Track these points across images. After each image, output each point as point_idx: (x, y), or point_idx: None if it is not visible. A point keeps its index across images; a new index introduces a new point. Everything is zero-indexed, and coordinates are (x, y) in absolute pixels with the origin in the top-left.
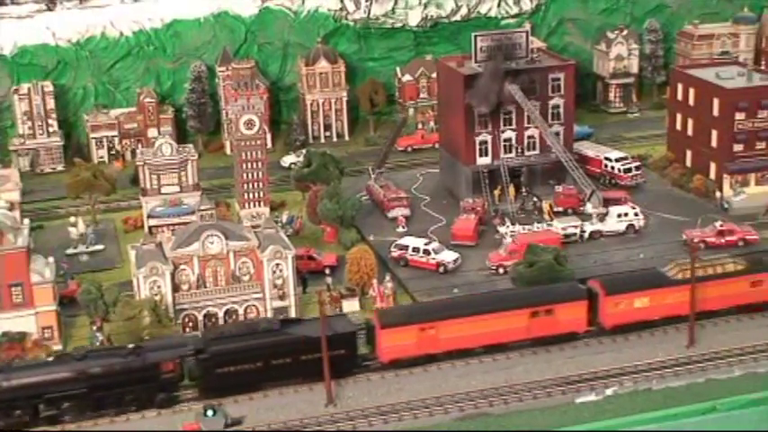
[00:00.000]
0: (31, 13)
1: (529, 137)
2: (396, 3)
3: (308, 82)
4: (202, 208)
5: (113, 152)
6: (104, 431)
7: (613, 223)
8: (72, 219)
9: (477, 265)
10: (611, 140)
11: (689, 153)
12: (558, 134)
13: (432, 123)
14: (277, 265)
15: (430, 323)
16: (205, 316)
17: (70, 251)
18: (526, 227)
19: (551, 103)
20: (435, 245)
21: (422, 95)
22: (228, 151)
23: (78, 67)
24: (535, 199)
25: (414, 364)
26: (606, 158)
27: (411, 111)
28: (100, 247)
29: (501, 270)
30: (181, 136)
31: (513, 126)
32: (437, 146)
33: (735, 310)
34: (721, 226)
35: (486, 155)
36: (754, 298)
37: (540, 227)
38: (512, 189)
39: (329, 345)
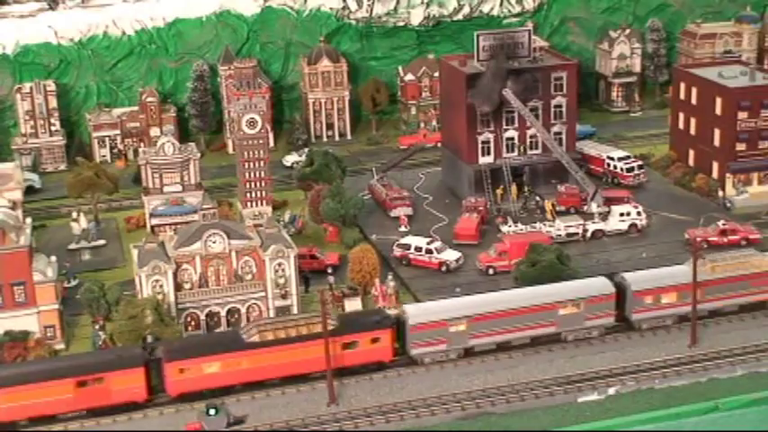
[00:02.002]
0: (33, 11)
1: (531, 136)
2: (398, 2)
3: (310, 81)
4: (204, 207)
5: (116, 151)
6: (105, 431)
7: (616, 222)
8: (74, 214)
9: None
10: (613, 140)
11: (691, 152)
12: (560, 133)
13: (434, 122)
14: (279, 264)
15: None
16: (207, 315)
17: (72, 246)
18: (528, 226)
19: (554, 102)
20: (438, 244)
21: (424, 95)
22: (231, 150)
23: (81, 67)
24: (537, 198)
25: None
26: (609, 158)
27: (413, 110)
28: (102, 242)
29: (491, 271)
30: (183, 135)
31: (516, 125)
32: (439, 145)
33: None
34: (724, 225)
35: (489, 154)
36: (347, 362)
37: (539, 226)
38: (514, 188)
39: None
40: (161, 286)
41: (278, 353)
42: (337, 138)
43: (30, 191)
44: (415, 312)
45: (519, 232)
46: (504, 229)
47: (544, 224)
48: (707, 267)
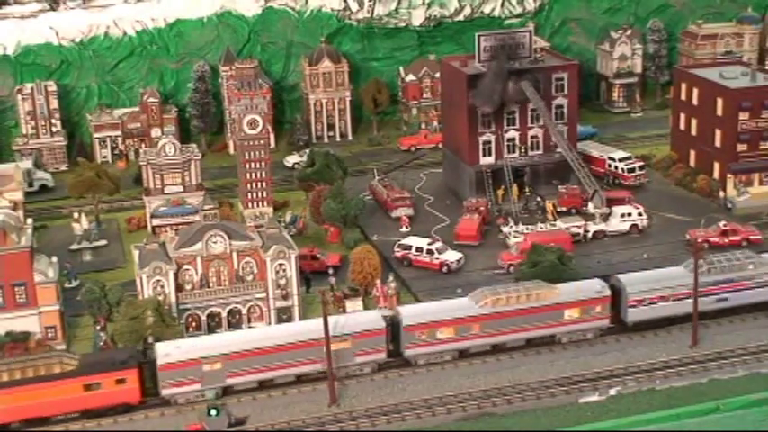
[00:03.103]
0: (34, 12)
1: (532, 137)
2: (399, 2)
3: (311, 82)
4: (206, 208)
5: (117, 152)
6: (106, 431)
7: (617, 223)
8: (75, 215)
9: (481, 265)
10: (614, 140)
11: (692, 153)
12: (561, 134)
13: (435, 123)
14: (280, 264)
15: None
16: (208, 316)
17: (73, 247)
18: (530, 227)
19: (555, 102)
20: (439, 245)
21: (425, 95)
22: (232, 151)
23: (82, 67)
24: (538, 199)
25: None
26: (610, 158)
27: (414, 111)
28: (103, 242)
29: (512, 270)
30: (184, 136)
31: (517, 126)
32: (440, 146)
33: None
34: (725, 226)
35: (490, 155)
36: (89, 404)
37: (543, 227)
38: (515, 189)
39: None
40: (162, 287)
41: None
42: (338, 138)
43: (44, 189)
44: (165, 351)
45: (541, 231)
46: (505, 229)
47: (545, 225)
48: (487, 301)
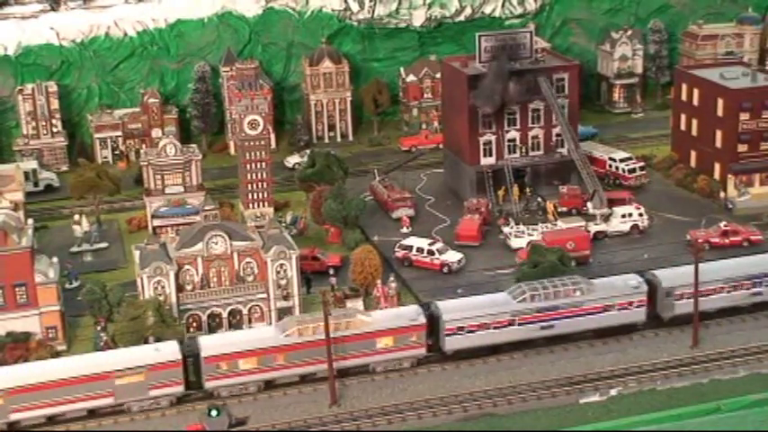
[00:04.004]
0: (35, 13)
1: (533, 137)
2: (400, 3)
3: (311, 82)
4: (206, 208)
5: (117, 152)
6: (107, 431)
7: (617, 224)
8: (76, 217)
9: (482, 266)
10: (615, 141)
11: (693, 153)
12: (562, 135)
13: (436, 124)
14: (281, 265)
15: None
16: (209, 316)
17: (74, 249)
18: (550, 225)
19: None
20: (439, 245)
21: (426, 96)
22: (232, 151)
23: (82, 68)
24: (539, 199)
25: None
26: (611, 159)
27: (415, 112)
28: (104, 244)
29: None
30: (185, 136)
31: (518, 126)
32: (441, 146)
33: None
34: (726, 226)
35: (491, 155)
36: None
37: (544, 227)
38: (516, 189)
39: None
40: (163, 287)
41: None
42: (339, 139)
43: (49, 189)
44: None
45: (558, 228)
46: (506, 230)
47: (546, 225)
48: (293, 330)
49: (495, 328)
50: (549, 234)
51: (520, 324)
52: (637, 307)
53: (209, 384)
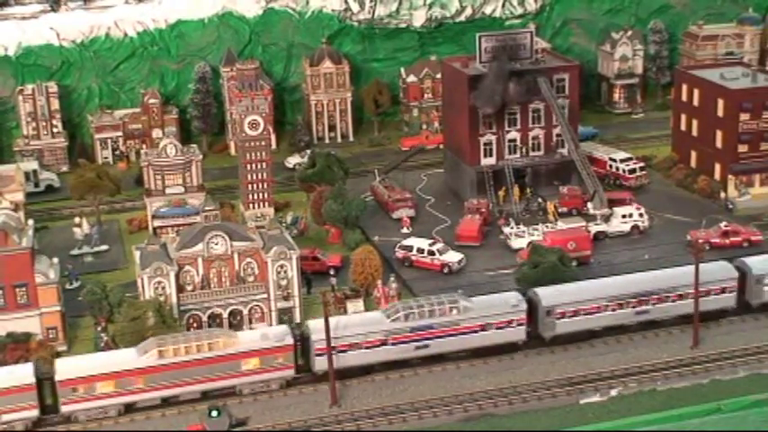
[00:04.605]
0: (35, 13)
1: (533, 137)
2: (400, 3)
3: (312, 83)
4: (207, 209)
5: (118, 153)
6: (107, 431)
7: (618, 224)
8: (76, 219)
9: (482, 266)
10: (615, 141)
11: (693, 154)
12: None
13: (436, 124)
14: (281, 265)
15: None
16: (209, 317)
17: (75, 252)
18: (540, 226)
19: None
20: (440, 245)
21: (426, 96)
22: (233, 152)
23: (83, 68)
24: (540, 200)
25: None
26: (611, 159)
27: (415, 112)
28: (104, 247)
29: None
30: (185, 137)
31: (518, 126)
32: (441, 146)
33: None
34: (726, 227)
35: (491, 155)
36: None
37: (545, 227)
38: (516, 190)
39: None
40: (163, 288)
41: None
42: (339, 139)
43: (50, 190)
44: None
45: (560, 228)
46: (506, 230)
47: (546, 226)
48: (153, 352)
49: (367, 347)
50: (551, 234)
51: (393, 344)
52: (517, 326)
53: (65, 408)
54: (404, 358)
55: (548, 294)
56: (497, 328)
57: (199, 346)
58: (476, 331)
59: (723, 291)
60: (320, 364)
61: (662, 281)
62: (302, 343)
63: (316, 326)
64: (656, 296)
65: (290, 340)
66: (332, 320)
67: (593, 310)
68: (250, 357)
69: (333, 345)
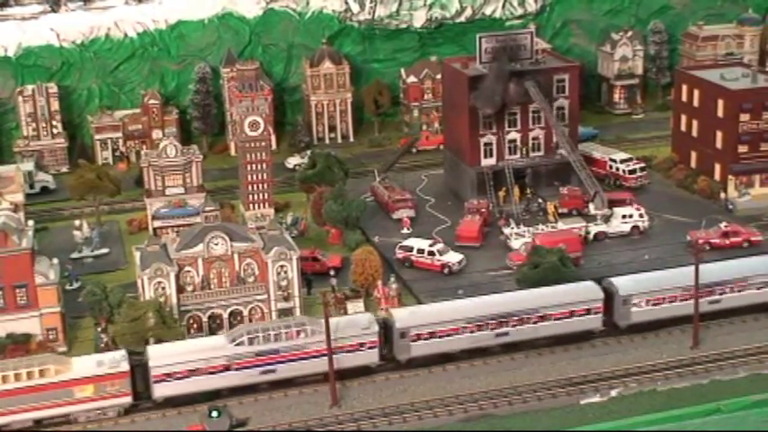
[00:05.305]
0: (35, 14)
1: (533, 138)
2: (400, 4)
3: (312, 83)
4: (207, 209)
5: (118, 154)
6: (106, 431)
7: (618, 224)
8: (76, 222)
9: (482, 267)
10: (615, 142)
11: (693, 154)
12: (564, 134)
13: (436, 125)
14: (282, 266)
15: None
16: (210, 317)
17: (75, 255)
18: (531, 228)
19: (556, 104)
20: (440, 246)
21: (426, 97)
22: (233, 153)
23: (83, 69)
24: (540, 200)
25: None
26: (611, 160)
27: (416, 113)
28: (105, 250)
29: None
30: (185, 137)
31: (518, 127)
32: (442, 147)
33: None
34: (726, 227)
35: (491, 156)
36: None
37: (545, 228)
38: (516, 190)
39: None
40: (163, 288)
41: None
42: (339, 140)
43: (45, 191)
44: None
45: (550, 230)
46: (507, 231)
47: (546, 226)
48: None
49: (209, 373)
50: (540, 236)
51: (237, 369)
52: (369, 348)
53: None
54: (250, 384)
55: (402, 316)
56: (348, 352)
57: (30, 372)
58: (324, 355)
59: (588, 312)
60: (159, 390)
61: (523, 302)
62: (142, 368)
63: (154, 352)
64: (515, 318)
65: (125, 366)
66: (175, 345)
67: (450, 333)
68: (84, 384)
69: (173, 371)
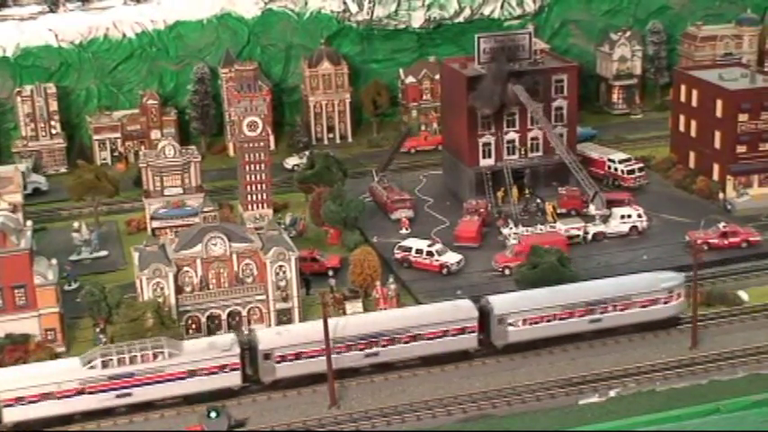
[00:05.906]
0: (33, 14)
1: (532, 138)
2: (399, 4)
3: (311, 84)
4: (205, 210)
5: (116, 154)
6: (107, 431)
7: (617, 225)
8: (75, 224)
9: (481, 267)
10: (614, 142)
11: (692, 154)
12: (561, 136)
13: (435, 125)
14: (280, 266)
15: None
16: (208, 318)
17: (74, 257)
18: (529, 228)
19: (554, 104)
20: (439, 246)
21: (425, 97)
22: (231, 153)
23: (81, 69)
24: (538, 200)
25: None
26: (609, 160)
27: (414, 113)
28: (104, 253)
29: (507, 271)
30: (184, 138)
31: (517, 127)
32: (440, 147)
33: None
34: (724, 227)
35: (490, 156)
36: None
37: (543, 228)
38: (515, 191)
39: None
40: (162, 289)
41: None
42: (338, 140)
43: (37, 193)
44: None
45: (536, 233)
46: (505, 231)
47: (545, 226)
48: None
49: (61, 397)
50: (526, 238)
51: (91, 393)
52: (231, 371)
53: None
54: (105, 408)
55: (265, 337)
56: (208, 374)
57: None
58: (185, 377)
59: (462, 331)
60: (9, 416)
61: (394, 321)
62: None
63: (2, 376)
64: (386, 338)
65: None
66: (23, 368)
67: (314, 354)
68: None
69: (22, 395)
